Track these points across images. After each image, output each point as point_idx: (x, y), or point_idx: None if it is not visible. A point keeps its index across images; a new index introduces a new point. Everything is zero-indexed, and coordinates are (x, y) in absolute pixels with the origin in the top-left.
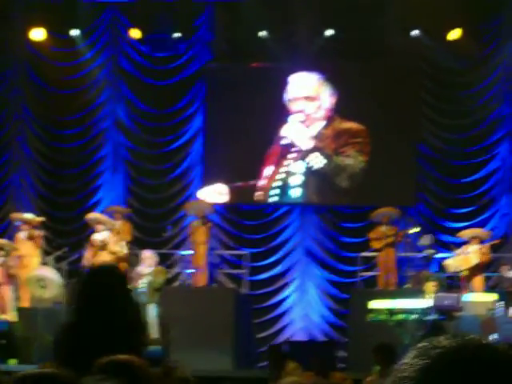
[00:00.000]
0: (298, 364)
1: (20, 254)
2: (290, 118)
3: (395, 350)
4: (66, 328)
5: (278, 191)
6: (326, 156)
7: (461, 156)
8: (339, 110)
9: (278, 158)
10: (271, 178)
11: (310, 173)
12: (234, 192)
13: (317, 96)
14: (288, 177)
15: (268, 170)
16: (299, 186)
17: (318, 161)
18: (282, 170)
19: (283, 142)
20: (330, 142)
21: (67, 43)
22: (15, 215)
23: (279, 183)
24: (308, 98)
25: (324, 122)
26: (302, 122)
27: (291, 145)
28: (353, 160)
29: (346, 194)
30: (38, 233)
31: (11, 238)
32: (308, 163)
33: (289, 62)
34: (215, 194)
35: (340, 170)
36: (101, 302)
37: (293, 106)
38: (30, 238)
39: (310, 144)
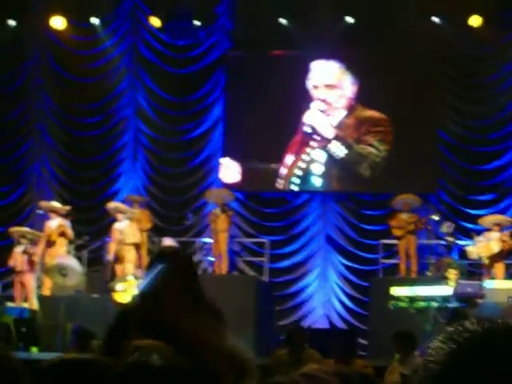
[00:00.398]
0: (315, 350)
1: (48, 241)
2: (312, 105)
3: (414, 338)
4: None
5: (299, 180)
6: (347, 145)
7: (482, 143)
8: (361, 99)
9: (300, 146)
10: (292, 166)
11: (331, 161)
12: (254, 178)
13: (338, 84)
14: (309, 165)
15: (289, 158)
16: (320, 175)
17: (339, 150)
18: (304, 157)
19: (305, 129)
20: (352, 131)
21: (87, 31)
22: (44, 204)
23: (300, 172)
24: (329, 86)
25: (345, 112)
26: (323, 111)
27: (313, 133)
28: (374, 149)
29: (367, 182)
30: (69, 230)
31: (32, 226)
32: (331, 152)
33: (309, 49)
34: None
35: (361, 159)
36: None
37: (314, 94)
38: (61, 233)
39: (332, 133)
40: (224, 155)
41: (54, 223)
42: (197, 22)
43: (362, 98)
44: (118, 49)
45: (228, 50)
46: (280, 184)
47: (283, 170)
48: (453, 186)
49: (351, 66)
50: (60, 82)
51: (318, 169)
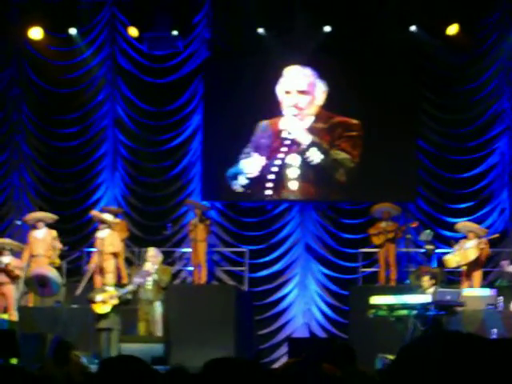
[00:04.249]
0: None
1: (33, 253)
2: (285, 112)
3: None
4: None
5: (271, 184)
6: (323, 151)
7: (460, 151)
8: (336, 107)
9: (274, 152)
10: (267, 172)
11: (307, 167)
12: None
13: (310, 91)
14: (284, 170)
15: (264, 164)
16: (295, 179)
17: (315, 156)
18: (278, 163)
19: (282, 135)
20: (325, 134)
21: (65, 42)
22: (32, 215)
23: (273, 176)
24: (301, 91)
25: (313, 118)
26: (295, 115)
27: (288, 138)
28: (348, 154)
29: (345, 190)
30: (58, 244)
31: (10, 236)
32: (307, 158)
33: (287, 58)
34: None
35: (337, 165)
36: None
37: (285, 99)
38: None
39: (308, 138)
40: (203, 164)
41: (41, 233)
42: (174, 32)
43: (338, 106)
44: (96, 59)
45: (206, 59)
46: (254, 189)
47: (258, 175)
48: (431, 195)
49: (328, 74)
50: (38, 92)
51: (293, 174)
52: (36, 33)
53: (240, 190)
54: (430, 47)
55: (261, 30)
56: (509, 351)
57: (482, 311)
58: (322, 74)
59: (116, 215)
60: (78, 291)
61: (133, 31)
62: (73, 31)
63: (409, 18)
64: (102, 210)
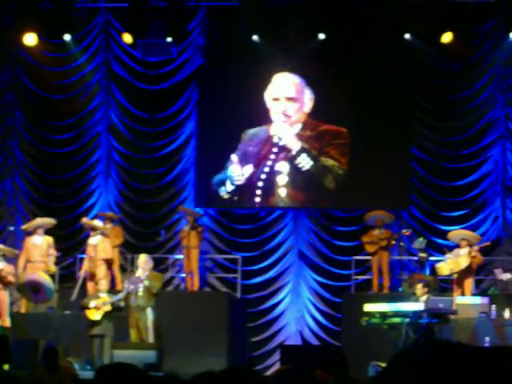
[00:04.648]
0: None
1: (30, 259)
2: (274, 118)
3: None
4: None
5: (260, 191)
6: (313, 157)
7: (453, 159)
8: (323, 115)
9: (263, 159)
10: (257, 179)
11: (296, 173)
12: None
13: (298, 98)
14: (274, 176)
15: (254, 171)
16: (284, 186)
17: (305, 162)
18: (267, 170)
19: (274, 141)
20: (313, 141)
21: (60, 48)
22: (33, 223)
23: (262, 183)
24: (290, 98)
25: (301, 125)
26: (284, 122)
27: (277, 144)
28: (336, 162)
29: (334, 197)
30: (54, 251)
31: (4, 242)
32: (297, 164)
33: (280, 65)
34: None
35: (326, 172)
36: None
37: (274, 106)
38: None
39: (298, 145)
40: (196, 171)
41: (40, 239)
42: (169, 39)
43: (327, 114)
44: (90, 65)
45: (200, 66)
46: (244, 196)
47: (247, 182)
48: (425, 202)
49: (320, 82)
50: (32, 98)
51: (282, 181)
52: (30, 39)
53: (226, 196)
54: (424, 55)
55: (255, 37)
56: (500, 360)
57: (474, 319)
58: (312, 81)
59: (113, 221)
60: (73, 297)
61: (127, 38)
62: (67, 37)
63: (403, 26)
64: (99, 216)
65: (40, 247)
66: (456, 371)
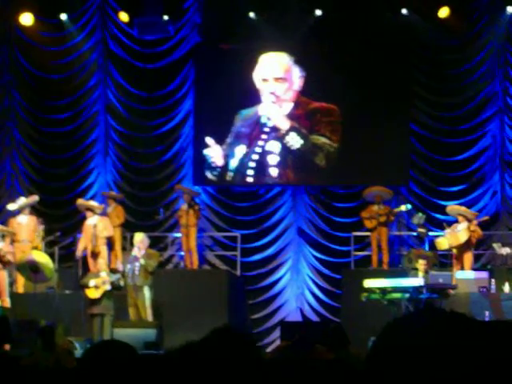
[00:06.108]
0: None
1: (17, 239)
2: (263, 99)
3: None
4: None
5: (252, 171)
6: (303, 136)
7: (452, 134)
8: (315, 92)
9: (253, 138)
10: (247, 158)
11: (287, 152)
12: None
13: (287, 77)
14: (264, 156)
15: (244, 150)
16: (275, 165)
17: (294, 141)
18: (258, 149)
19: (262, 121)
20: (304, 120)
21: (56, 27)
22: (20, 205)
23: (254, 163)
24: (278, 79)
25: (292, 104)
26: (274, 102)
27: (267, 124)
28: (327, 139)
29: (330, 175)
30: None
31: (3, 223)
32: (286, 143)
33: (278, 42)
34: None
35: (317, 150)
36: None
37: (264, 87)
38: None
39: (287, 124)
40: (194, 149)
41: (25, 218)
42: (165, 17)
43: (320, 92)
44: (86, 44)
45: (197, 44)
46: (229, 176)
47: (234, 162)
48: (424, 178)
49: (311, 60)
50: (29, 78)
51: (273, 160)
52: (26, 18)
53: (212, 178)
54: (422, 30)
55: (252, 15)
56: (499, 333)
57: (471, 294)
58: (303, 59)
59: (115, 200)
60: (80, 278)
61: (123, 16)
62: (63, 17)
63: (400, 1)
64: (102, 196)
65: (26, 226)
66: (451, 339)
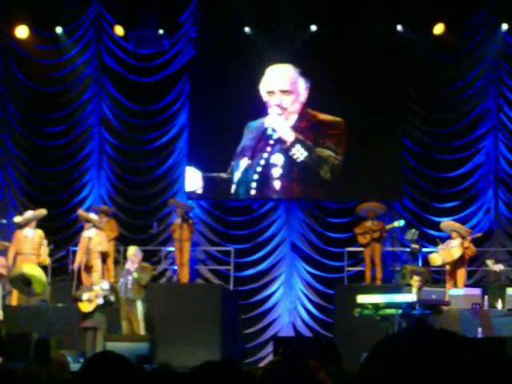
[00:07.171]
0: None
1: (21, 251)
2: (270, 111)
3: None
4: None
5: (255, 184)
6: (308, 148)
7: (445, 150)
8: (318, 105)
9: (256, 151)
10: (251, 171)
11: (292, 165)
12: (217, 187)
13: (293, 89)
14: (268, 169)
15: (248, 163)
16: (279, 178)
17: (299, 153)
18: (262, 162)
19: (267, 133)
20: (309, 133)
21: (51, 40)
22: (26, 218)
23: (257, 176)
24: (284, 91)
25: (297, 116)
26: (280, 114)
27: (272, 137)
28: (332, 152)
29: (330, 188)
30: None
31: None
32: (292, 156)
33: (272, 56)
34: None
35: (322, 162)
36: None
37: (270, 99)
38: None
39: (292, 136)
40: (188, 163)
41: (31, 232)
42: (160, 31)
43: (321, 104)
44: (81, 58)
45: (192, 58)
46: (233, 189)
47: (237, 175)
48: (417, 194)
49: (312, 73)
50: (24, 91)
51: (277, 172)
52: (22, 31)
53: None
54: (416, 46)
55: (247, 29)
56: (489, 349)
57: (461, 311)
58: (305, 72)
59: (107, 214)
60: (73, 291)
61: (118, 30)
62: (59, 30)
63: (395, 17)
64: (93, 210)
65: (31, 240)
66: (440, 357)
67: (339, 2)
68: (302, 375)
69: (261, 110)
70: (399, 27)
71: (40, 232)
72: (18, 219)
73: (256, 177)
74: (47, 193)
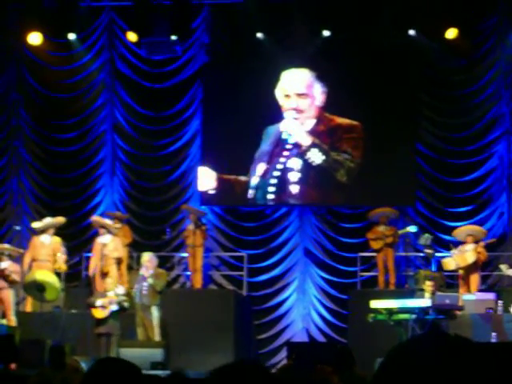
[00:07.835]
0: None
1: (37, 258)
2: (286, 115)
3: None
4: None
5: (274, 188)
6: (324, 152)
7: (459, 155)
8: (334, 109)
9: (273, 156)
10: (268, 175)
11: (308, 169)
12: (231, 192)
13: (309, 93)
14: (285, 173)
15: (264, 168)
16: (296, 182)
17: (316, 157)
18: (279, 166)
19: (283, 137)
20: (325, 137)
21: (64, 47)
22: (45, 224)
23: (275, 180)
24: (300, 94)
25: (315, 120)
26: (296, 118)
27: (288, 141)
28: (348, 155)
29: (346, 192)
30: (61, 248)
31: (9, 242)
32: (308, 159)
33: (285, 63)
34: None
35: (338, 166)
36: None
37: (286, 103)
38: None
39: (309, 140)
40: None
41: (48, 238)
42: (173, 37)
43: (338, 108)
44: (94, 64)
45: (205, 64)
46: (251, 194)
47: (254, 180)
48: (430, 199)
49: (326, 77)
50: (37, 97)
51: (294, 177)
52: (35, 38)
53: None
54: (429, 51)
55: (259, 35)
56: (502, 355)
57: (473, 316)
58: (321, 76)
59: (121, 221)
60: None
61: (131, 36)
62: (72, 36)
63: (407, 22)
64: (107, 216)
65: (48, 246)
66: (454, 363)
67: (352, 7)
68: (311, 380)
69: (276, 114)
70: (411, 32)
71: (58, 239)
72: (36, 225)
73: (274, 181)
74: (60, 199)
